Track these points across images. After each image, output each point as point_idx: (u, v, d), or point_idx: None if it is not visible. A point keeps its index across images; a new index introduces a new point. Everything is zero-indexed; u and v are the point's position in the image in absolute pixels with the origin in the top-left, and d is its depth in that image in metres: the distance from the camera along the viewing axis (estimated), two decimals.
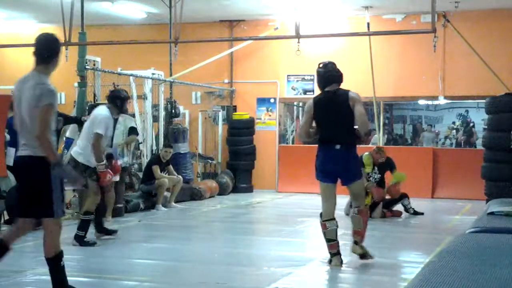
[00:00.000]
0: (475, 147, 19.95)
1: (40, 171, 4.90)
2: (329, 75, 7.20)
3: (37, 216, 5.14)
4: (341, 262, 6.71)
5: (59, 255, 5.18)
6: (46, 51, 5.05)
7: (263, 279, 6.17)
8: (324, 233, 6.80)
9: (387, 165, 10.96)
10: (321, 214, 6.84)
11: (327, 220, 6.76)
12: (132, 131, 10.02)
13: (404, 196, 11.01)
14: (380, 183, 10.81)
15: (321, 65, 7.36)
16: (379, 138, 15.21)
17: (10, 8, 14.96)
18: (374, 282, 6.28)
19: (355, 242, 6.95)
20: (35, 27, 16.64)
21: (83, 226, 7.88)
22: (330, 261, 6.76)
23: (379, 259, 7.31)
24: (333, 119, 6.79)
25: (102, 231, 8.32)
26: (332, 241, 6.75)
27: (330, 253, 6.78)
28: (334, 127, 6.72)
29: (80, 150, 7.94)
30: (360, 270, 6.71)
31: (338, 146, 6.65)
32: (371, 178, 10.71)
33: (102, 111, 7.97)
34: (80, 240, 7.80)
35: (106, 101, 8.40)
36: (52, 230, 5.16)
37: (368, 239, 8.72)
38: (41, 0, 13.69)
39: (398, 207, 11.07)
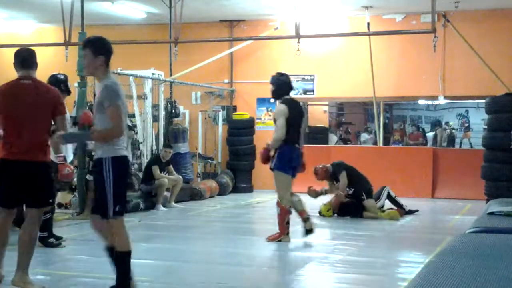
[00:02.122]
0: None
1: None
2: (290, 83, 8.39)
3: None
4: (289, 239, 8.16)
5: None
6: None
7: (263, 279, 6.17)
8: (287, 217, 8.16)
9: (334, 174, 10.89)
10: (279, 202, 8.16)
11: (290, 207, 8.18)
12: (127, 128, 10.00)
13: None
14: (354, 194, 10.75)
15: (280, 74, 8.48)
16: (379, 138, 15.20)
17: (10, 8, 14.96)
18: (374, 282, 6.28)
19: (307, 219, 8.24)
20: (35, 27, 16.65)
21: (44, 226, 7.57)
22: (279, 240, 8.12)
23: (379, 259, 7.32)
24: (296, 123, 8.04)
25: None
26: (289, 223, 8.24)
27: (287, 233, 8.18)
28: (296, 130, 8.02)
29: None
30: (360, 270, 6.71)
31: (297, 146, 8.08)
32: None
33: None
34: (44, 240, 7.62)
35: None
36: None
37: (368, 239, 8.75)
38: (41, 0, 13.69)
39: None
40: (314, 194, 11.06)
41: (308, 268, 6.77)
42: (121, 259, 5.26)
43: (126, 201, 5.53)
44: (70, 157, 9.57)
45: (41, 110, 5.58)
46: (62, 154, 7.47)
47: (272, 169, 8.16)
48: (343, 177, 10.71)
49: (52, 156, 6.83)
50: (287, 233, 8.19)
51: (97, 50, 5.37)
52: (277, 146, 7.98)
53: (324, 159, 14.84)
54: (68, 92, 8.25)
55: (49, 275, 6.29)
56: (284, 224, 8.15)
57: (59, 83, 7.99)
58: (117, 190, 5.08)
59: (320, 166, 11.02)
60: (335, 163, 11.08)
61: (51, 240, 7.73)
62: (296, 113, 8.07)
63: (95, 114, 5.30)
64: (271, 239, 8.21)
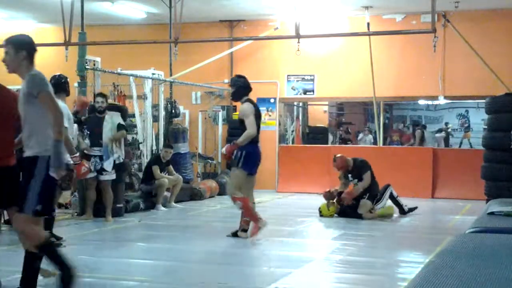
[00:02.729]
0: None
1: None
2: (249, 85, 8.53)
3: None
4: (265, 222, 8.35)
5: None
6: None
7: (263, 279, 6.17)
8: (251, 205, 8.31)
9: (358, 168, 10.82)
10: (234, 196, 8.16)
11: (254, 203, 8.45)
12: (120, 127, 10.00)
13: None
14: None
15: (238, 76, 8.72)
16: (379, 138, 15.20)
17: (10, 8, 14.96)
18: (374, 282, 6.28)
19: (246, 230, 8.28)
20: (35, 27, 16.65)
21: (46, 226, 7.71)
22: (234, 234, 8.40)
23: (379, 259, 7.32)
24: (258, 123, 8.33)
25: None
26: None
27: (259, 218, 8.26)
28: (258, 130, 8.33)
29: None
30: (360, 270, 6.71)
31: (259, 145, 8.46)
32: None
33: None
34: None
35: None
36: None
37: (368, 239, 8.75)
38: (41, 0, 13.70)
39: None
40: (330, 196, 10.92)
41: (308, 268, 6.77)
42: (30, 260, 5.01)
43: (51, 206, 5.34)
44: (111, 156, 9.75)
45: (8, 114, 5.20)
46: (77, 154, 7.55)
47: (229, 164, 8.36)
48: (367, 177, 10.63)
49: (67, 157, 6.90)
50: (260, 218, 8.27)
51: (18, 45, 5.08)
52: (247, 142, 8.15)
53: (324, 159, 14.90)
54: (68, 93, 8.28)
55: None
56: (253, 213, 8.22)
57: (62, 84, 8.02)
58: (45, 190, 4.86)
59: (339, 155, 10.94)
60: (359, 160, 10.94)
61: (52, 240, 7.73)
62: (257, 113, 8.36)
63: (22, 109, 5.00)
64: (253, 235, 8.18)
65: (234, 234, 8.43)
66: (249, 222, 8.23)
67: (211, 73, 15.52)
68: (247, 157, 8.14)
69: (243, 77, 8.60)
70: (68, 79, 8.29)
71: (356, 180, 10.78)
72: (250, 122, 8.17)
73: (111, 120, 9.94)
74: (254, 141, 8.28)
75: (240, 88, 8.42)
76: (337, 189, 10.92)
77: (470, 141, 23.71)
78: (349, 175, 10.90)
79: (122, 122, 10.09)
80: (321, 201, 11.02)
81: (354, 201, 10.57)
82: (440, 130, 23.73)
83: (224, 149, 8.58)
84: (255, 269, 6.72)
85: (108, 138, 9.82)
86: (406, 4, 13.80)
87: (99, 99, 10.11)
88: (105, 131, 9.80)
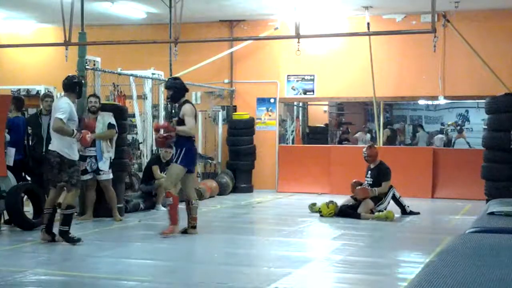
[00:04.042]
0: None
1: None
2: (185, 86, 8.85)
3: None
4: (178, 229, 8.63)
5: None
6: None
7: (263, 279, 6.17)
8: (193, 209, 8.65)
9: (380, 171, 10.88)
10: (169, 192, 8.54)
11: (195, 200, 8.75)
12: (110, 127, 10.05)
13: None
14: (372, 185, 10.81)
15: (174, 78, 9.16)
16: (379, 138, 15.20)
17: (9, 8, 14.95)
18: (374, 282, 6.28)
19: (195, 228, 8.67)
20: (35, 27, 16.64)
21: (67, 221, 7.80)
22: (183, 232, 8.63)
23: (379, 259, 7.32)
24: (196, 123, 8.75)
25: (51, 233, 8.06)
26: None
27: (193, 226, 8.66)
28: (196, 130, 8.69)
29: (56, 143, 7.86)
30: (360, 270, 6.71)
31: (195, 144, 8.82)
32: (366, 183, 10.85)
33: (61, 101, 8.01)
34: (65, 235, 7.77)
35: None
36: None
37: (368, 239, 8.75)
38: (41, 0, 13.69)
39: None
40: (357, 184, 10.95)
41: (308, 268, 6.77)
42: None
43: None
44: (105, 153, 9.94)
45: None
46: (75, 133, 7.81)
47: (164, 158, 8.90)
48: (386, 186, 10.73)
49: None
50: (178, 223, 8.64)
51: None
52: (184, 134, 8.43)
53: (324, 159, 14.91)
54: (78, 95, 8.41)
55: (49, 275, 6.28)
56: (177, 214, 8.57)
57: (75, 85, 8.12)
58: None
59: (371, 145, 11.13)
60: (386, 166, 10.96)
61: (72, 235, 7.86)
62: (195, 114, 8.82)
63: None
64: (165, 233, 8.51)
65: (184, 232, 8.68)
66: (196, 219, 8.69)
67: (211, 73, 15.52)
68: (187, 153, 8.42)
69: (179, 79, 9.00)
70: (81, 81, 8.47)
71: (371, 180, 10.81)
72: (191, 121, 8.52)
73: (103, 120, 10.00)
74: (192, 140, 8.68)
75: (179, 90, 8.68)
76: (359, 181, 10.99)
77: (468, 141, 23.65)
78: (368, 172, 10.93)
79: (113, 122, 10.08)
80: (321, 201, 11.03)
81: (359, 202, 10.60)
82: (441, 131, 23.69)
83: (162, 124, 8.70)
84: (255, 269, 6.72)
85: (93, 135, 9.86)
86: (406, 4, 13.80)
87: (92, 99, 10.20)
88: (96, 131, 9.83)
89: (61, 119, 7.71)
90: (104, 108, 10.28)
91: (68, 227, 7.80)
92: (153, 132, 8.72)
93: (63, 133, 7.74)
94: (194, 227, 8.68)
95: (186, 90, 8.82)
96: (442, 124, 24.82)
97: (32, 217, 9.06)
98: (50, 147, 7.91)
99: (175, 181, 8.59)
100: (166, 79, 9.30)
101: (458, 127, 24.77)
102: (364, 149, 11.19)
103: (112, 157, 10.08)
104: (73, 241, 7.76)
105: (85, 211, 10.14)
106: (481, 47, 13.59)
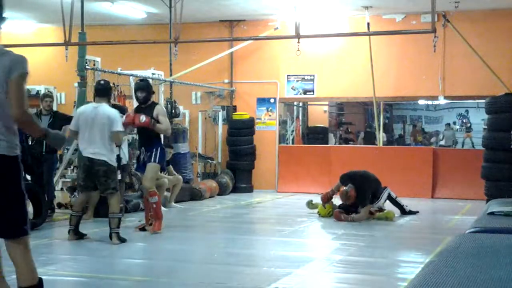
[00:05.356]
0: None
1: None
2: (151, 87, 9.18)
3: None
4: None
5: (41, 281, 4.29)
6: None
7: (263, 279, 6.17)
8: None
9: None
10: (154, 191, 8.85)
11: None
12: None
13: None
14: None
15: (141, 80, 9.37)
16: (379, 138, 15.20)
17: (10, 8, 14.88)
18: (374, 282, 6.28)
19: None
20: (35, 27, 16.65)
21: (119, 223, 8.07)
22: (142, 229, 9.00)
23: (379, 259, 7.32)
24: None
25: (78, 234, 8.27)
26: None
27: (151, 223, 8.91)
28: None
29: (104, 152, 7.96)
30: (360, 270, 6.71)
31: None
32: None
33: (111, 110, 8.14)
34: (119, 236, 8.01)
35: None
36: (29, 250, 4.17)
37: (368, 239, 8.75)
38: (41, 0, 13.69)
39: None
40: (328, 199, 10.78)
41: (308, 268, 6.77)
42: None
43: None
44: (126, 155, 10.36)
45: None
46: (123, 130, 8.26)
47: (139, 158, 8.99)
48: (364, 212, 10.17)
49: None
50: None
51: None
52: (162, 133, 9.01)
53: (324, 159, 14.91)
54: (109, 98, 8.64)
55: (49, 275, 6.28)
56: (160, 209, 9.04)
57: (109, 90, 8.38)
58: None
59: (346, 190, 10.33)
60: (365, 188, 10.32)
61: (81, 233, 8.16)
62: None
63: None
64: (154, 229, 8.76)
65: (142, 229, 8.98)
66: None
67: (211, 73, 15.52)
68: (161, 152, 8.82)
69: (146, 80, 9.38)
70: (111, 86, 8.71)
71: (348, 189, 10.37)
72: (167, 121, 8.90)
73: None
74: (161, 140, 9.32)
75: (150, 91, 8.94)
76: (333, 190, 10.81)
77: (472, 141, 23.65)
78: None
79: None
80: (319, 200, 11.04)
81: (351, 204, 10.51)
82: (448, 125, 23.72)
83: (143, 117, 8.56)
84: (255, 269, 6.72)
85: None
86: (406, 4, 13.80)
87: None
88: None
89: (123, 132, 8.32)
90: None
91: (119, 229, 8.05)
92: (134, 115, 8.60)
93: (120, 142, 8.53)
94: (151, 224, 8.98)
95: (153, 92, 9.24)
96: (447, 124, 24.74)
97: (32, 217, 9.04)
98: (96, 156, 7.92)
99: (154, 179, 8.98)
100: (136, 82, 9.66)
101: (465, 127, 24.78)
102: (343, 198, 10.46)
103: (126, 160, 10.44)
104: (124, 240, 8.02)
105: (85, 211, 10.13)
106: (481, 47, 13.59)
